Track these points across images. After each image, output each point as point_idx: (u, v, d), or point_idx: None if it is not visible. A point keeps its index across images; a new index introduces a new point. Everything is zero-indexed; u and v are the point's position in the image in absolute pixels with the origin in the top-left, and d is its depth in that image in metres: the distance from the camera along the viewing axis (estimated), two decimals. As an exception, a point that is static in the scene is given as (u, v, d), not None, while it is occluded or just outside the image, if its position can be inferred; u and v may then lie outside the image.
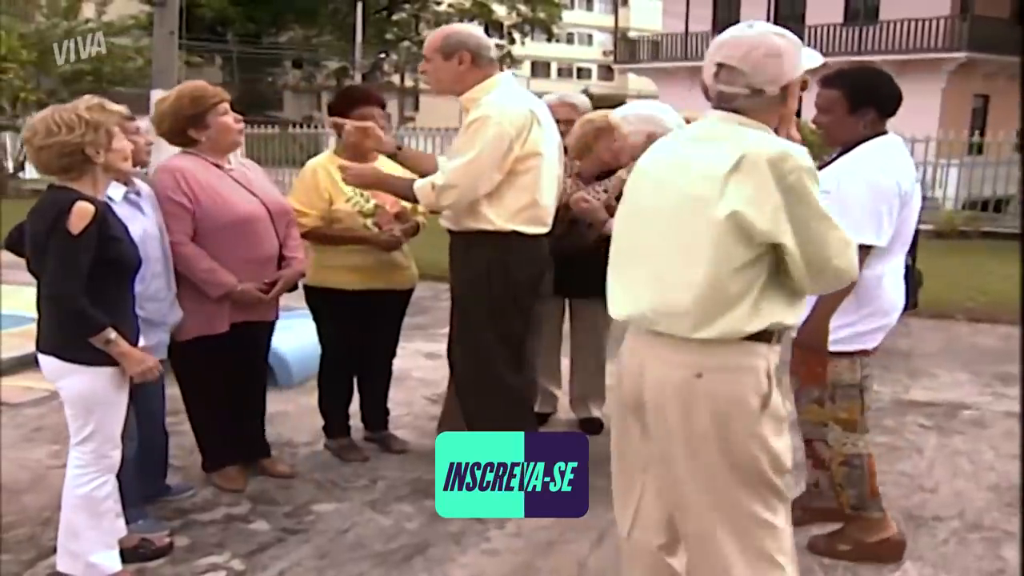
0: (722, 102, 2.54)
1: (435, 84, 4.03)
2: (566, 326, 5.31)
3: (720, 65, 2.51)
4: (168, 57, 15.18)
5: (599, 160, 4.51)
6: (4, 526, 3.87)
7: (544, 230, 4.05)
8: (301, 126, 23.95)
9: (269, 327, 4.42)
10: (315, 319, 4.71)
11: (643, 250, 2.57)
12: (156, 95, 11.79)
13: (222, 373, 4.22)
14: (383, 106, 4.60)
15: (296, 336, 6.11)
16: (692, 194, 2.44)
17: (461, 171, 3.79)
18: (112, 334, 3.02)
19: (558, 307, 5.21)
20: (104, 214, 3.04)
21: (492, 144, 3.75)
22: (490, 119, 3.76)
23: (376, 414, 4.97)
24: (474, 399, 4.15)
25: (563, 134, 4.86)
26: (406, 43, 49.06)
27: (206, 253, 3.95)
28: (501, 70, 3.99)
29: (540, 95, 4.36)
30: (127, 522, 3.57)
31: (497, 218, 3.88)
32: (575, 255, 4.65)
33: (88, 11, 25.04)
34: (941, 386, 6.35)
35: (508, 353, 4.07)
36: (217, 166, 4.08)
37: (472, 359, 4.10)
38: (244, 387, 4.39)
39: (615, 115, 4.40)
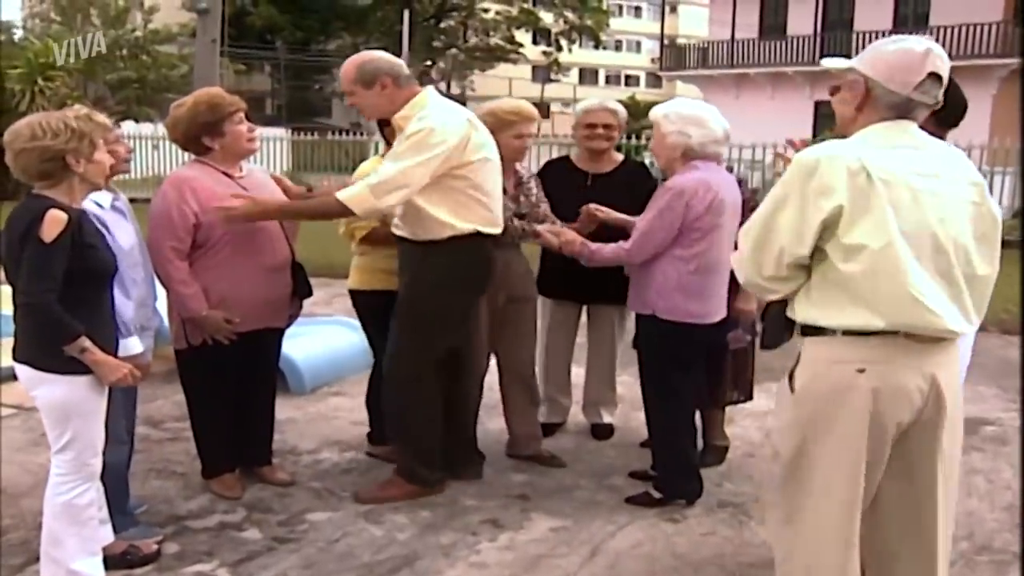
0: (901, 110, 2.61)
1: (366, 112, 4.13)
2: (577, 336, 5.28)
3: (931, 75, 2.58)
4: (210, 64, 15.41)
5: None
6: (1, 529, 3.90)
7: (497, 230, 4.14)
8: (349, 133, 24.06)
9: (278, 334, 4.41)
10: (362, 322, 4.71)
11: (943, 261, 2.57)
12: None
13: (226, 380, 4.23)
14: None
15: (310, 343, 6.13)
16: (970, 200, 2.62)
17: (408, 172, 3.83)
18: (87, 342, 3.01)
19: (573, 315, 5.18)
20: (79, 222, 3.04)
21: (435, 151, 3.82)
22: (435, 130, 3.83)
23: None
24: (397, 395, 4.24)
25: (601, 138, 4.85)
26: (453, 50, 49.28)
27: (187, 275, 3.95)
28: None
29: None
30: (117, 530, 3.59)
31: (456, 222, 3.96)
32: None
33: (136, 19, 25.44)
34: (964, 401, 6.14)
35: (445, 352, 4.21)
36: (227, 175, 4.09)
37: (408, 357, 4.15)
38: (250, 394, 4.38)
39: (656, 111, 4.21)
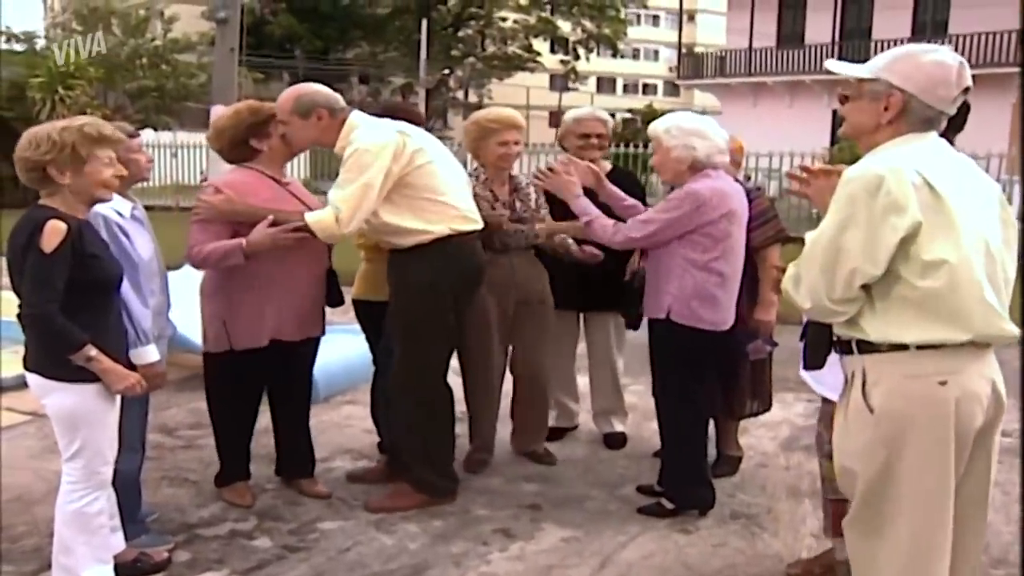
0: (932, 123, 2.64)
1: (299, 142, 4.16)
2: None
3: (964, 89, 2.62)
4: (228, 73, 15.47)
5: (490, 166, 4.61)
6: (13, 536, 3.93)
7: (474, 226, 4.17)
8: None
9: (315, 344, 4.41)
10: (364, 332, 4.70)
11: (992, 268, 2.59)
12: (216, 110, 12.02)
13: (254, 387, 4.29)
14: (423, 124, 4.63)
15: (324, 351, 6.10)
16: (998, 211, 2.66)
17: (356, 196, 3.87)
18: (92, 351, 3.01)
19: (572, 321, 5.18)
20: (79, 231, 3.04)
21: (375, 170, 3.87)
22: (368, 151, 3.89)
23: None
24: (408, 408, 4.24)
25: (595, 147, 4.89)
26: (471, 59, 49.37)
27: (212, 243, 3.95)
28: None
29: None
30: (128, 537, 3.60)
31: (430, 225, 4.01)
32: (591, 269, 4.62)
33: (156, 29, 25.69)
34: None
35: (446, 357, 4.27)
36: (274, 179, 4.13)
37: (412, 368, 4.18)
38: (287, 405, 4.43)
39: (655, 127, 4.20)
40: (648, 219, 4.09)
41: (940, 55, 2.60)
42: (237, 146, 4.10)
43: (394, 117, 4.21)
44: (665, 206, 4.06)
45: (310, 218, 3.92)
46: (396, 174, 3.91)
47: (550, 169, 4.42)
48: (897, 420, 2.59)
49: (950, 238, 2.50)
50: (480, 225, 4.21)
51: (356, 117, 4.07)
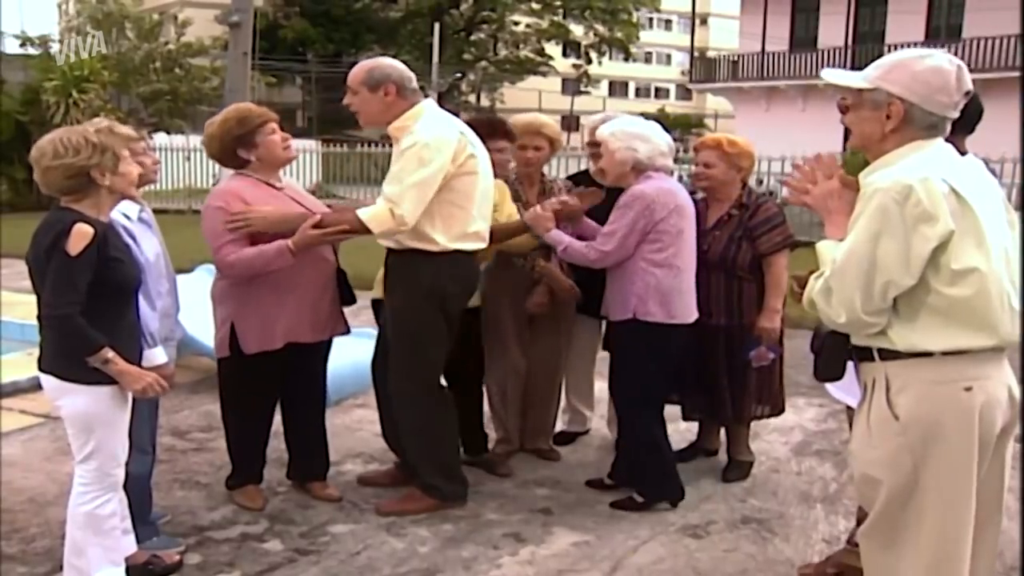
0: (937, 130, 2.61)
1: (363, 116, 4.12)
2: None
3: (965, 93, 2.60)
4: (241, 77, 15.57)
5: None
6: (26, 538, 3.95)
7: (481, 246, 4.19)
8: (379, 145, 24.14)
9: (326, 346, 4.42)
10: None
11: (1010, 271, 2.60)
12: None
13: (268, 390, 4.29)
14: (513, 140, 4.65)
15: (334, 354, 6.12)
16: (1004, 215, 2.65)
17: (415, 191, 3.86)
18: (110, 353, 3.03)
19: (593, 328, 5.17)
20: (105, 235, 3.07)
21: (434, 167, 3.86)
22: (429, 145, 3.87)
23: (474, 436, 4.87)
24: (411, 411, 4.24)
25: (600, 156, 4.87)
26: (483, 63, 49.42)
27: (252, 248, 3.95)
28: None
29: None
30: (139, 540, 3.61)
31: (442, 239, 4.00)
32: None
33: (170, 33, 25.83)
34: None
35: (443, 360, 4.25)
36: (269, 185, 4.13)
37: (413, 370, 4.18)
38: (301, 407, 4.44)
39: (602, 131, 4.36)
40: (610, 231, 4.19)
41: (936, 61, 2.57)
42: (228, 156, 4.11)
43: (474, 127, 4.23)
44: (618, 213, 4.18)
45: (364, 215, 3.89)
46: (450, 174, 3.91)
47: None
48: (925, 427, 2.58)
49: (980, 246, 2.50)
50: (483, 245, 4.18)
51: (426, 106, 4.06)
